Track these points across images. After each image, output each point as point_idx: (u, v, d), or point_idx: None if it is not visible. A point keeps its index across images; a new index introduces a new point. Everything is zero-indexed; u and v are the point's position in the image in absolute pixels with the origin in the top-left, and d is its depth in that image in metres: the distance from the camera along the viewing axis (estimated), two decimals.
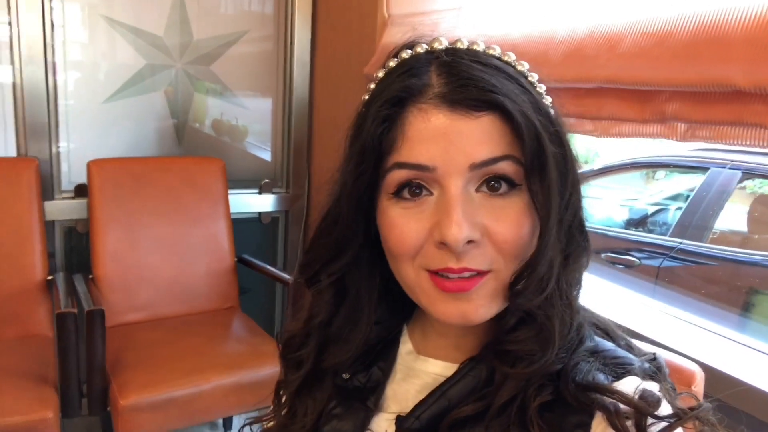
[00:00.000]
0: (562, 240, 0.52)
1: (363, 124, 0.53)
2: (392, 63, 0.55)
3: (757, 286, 2.16)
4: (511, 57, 0.54)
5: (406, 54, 0.55)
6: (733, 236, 2.39)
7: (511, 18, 1.33)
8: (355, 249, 0.57)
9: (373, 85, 0.56)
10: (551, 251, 0.50)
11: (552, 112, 0.54)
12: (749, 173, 2.37)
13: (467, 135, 0.49)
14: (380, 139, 0.51)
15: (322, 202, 0.59)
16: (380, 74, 0.56)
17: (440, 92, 0.50)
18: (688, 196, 2.55)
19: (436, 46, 0.54)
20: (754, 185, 2.48)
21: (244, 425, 0.70)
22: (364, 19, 1.99)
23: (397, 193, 0.52)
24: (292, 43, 2.35)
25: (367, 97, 0.55)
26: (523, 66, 0.54)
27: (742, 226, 2.40)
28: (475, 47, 0.54)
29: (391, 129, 0.51)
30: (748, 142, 0.84)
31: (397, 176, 0.51)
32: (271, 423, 0.68)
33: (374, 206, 0.55)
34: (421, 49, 0.54)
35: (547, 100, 0.55)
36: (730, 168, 2.38)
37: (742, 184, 2.39)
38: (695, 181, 2.53)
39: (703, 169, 2.48)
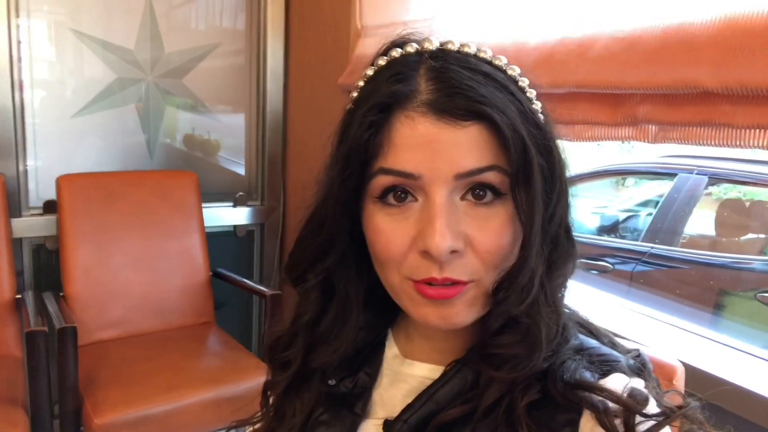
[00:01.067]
0: (546, 248, 0.53)
1: (349, 127, 0.52)
2: (381, 61, 0.55)
3: (727, 288, 2.21)
4: (502, 61, 0.53)
5: (396, 53, 0.54)
6: (703, 240, 2.45)
7: (483, 27, 1.35)
8: (341, 249, 0.57)
9: (362, 83, 0.55)
10: (533, 261, 0.50)
11: (542, 118, 0.53)
12: (715, 178, 2.44)
13: (453, 144, 0.49)
14: (366, 145, 0.50)
15: (307, 201, 0.58)
16: (369, 72, 0.55)
17: (427, 99, 0.50)
18: (657, 202, 2.60)
19: (427, 46, 0.53)
20: (719, 191, 2.54)
21: (230, 429, 0.68)
22: (337, 31, 2.00)
23: (382, 198, 0.52)
24: (264, 55, 2.34)
25: (355, 95, 0.55)
26: (514, 70, 0.54)
27: (710, 230, 2.46)
28: (466, 50, 0.53)
29: (378, 134, 0.50)
30: (717, 142, 0.86)
31: (382, 182, 0.51)
32: (258, 425, 0.67)
33: (359, 208, 0.54)
34: (411, 48, 0.53)
35: (537, 105, 0.54)
36: (697, 173, 2.44)
37: (707, 190, 2.45)
38: (664, 187, 2.59)
39: (671, 175, 2.54)
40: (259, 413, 0.67)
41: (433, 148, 0.49)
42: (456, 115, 0.49)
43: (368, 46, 1.81)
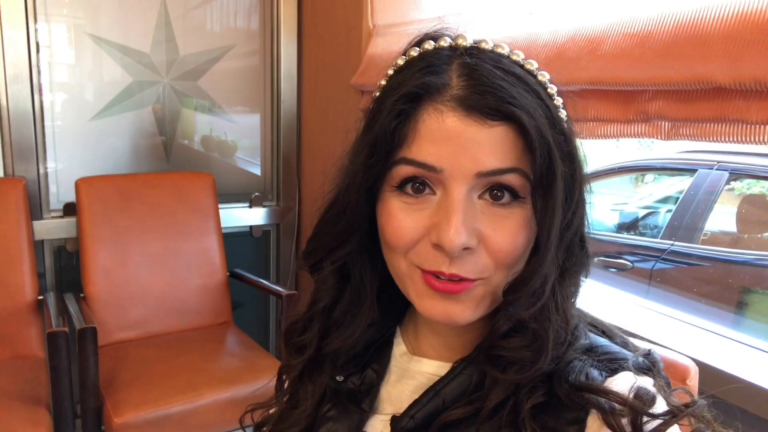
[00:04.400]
0: (561, 256, 0.52)
1: (377, 115, 0.52)
2: (414, 52, 0.54)
3: (749, 285, 2.17)
4: (533, 65, 0.53)
5: (429, 45, 0.54)
6: (724, 237, 2.41)
7: (494, 25, 1.34)
8: (360, 237, 0.57)
9: (391, 71, 0.55)
10: (547, 267, 0.50)
11: (566, 127, 0.53)
12: (736, 173, 2.39)
13: (479, 142, 0.49)
14: (393, 133, 0.50)
15: (326, 188, 0.59)
16: (400, 62, 0.55)
17: (458, 95, 0.49)
18: (677, 199, 2.56)
19: (460, 42, 0.53)
20: (742, 186, 2.50)
21: (246, 412, 0.69)
22: (349, 31, 2.00)
23: (401, 187, 0.52)
24: (278, 56, 2.36)
25: (384, 83, 0.55)
26: (544, 76, 0.53)
27: (731, 226, 2.41)
28: (499, 50, 0.53)
29: (405, 123, 0.50)
30: (730, 138, 0.85)
31: (403, 171, 0.51)
32: (273, 410, 0.68)
33: (378, 197, 0.55)
34: (444, 42, 0.53)
35: (563, 113, 0.54)
36: (717, 169, 2.40)
37: (729, 186, 2.41)
38: (684, 183, 2.55)
39: (691, 171, 2.50)
40: (275, 398, 0.68)
41: (458, 143, 0.49)
42: (485, 113, 0.48)
43: (380, 45, 1.81)
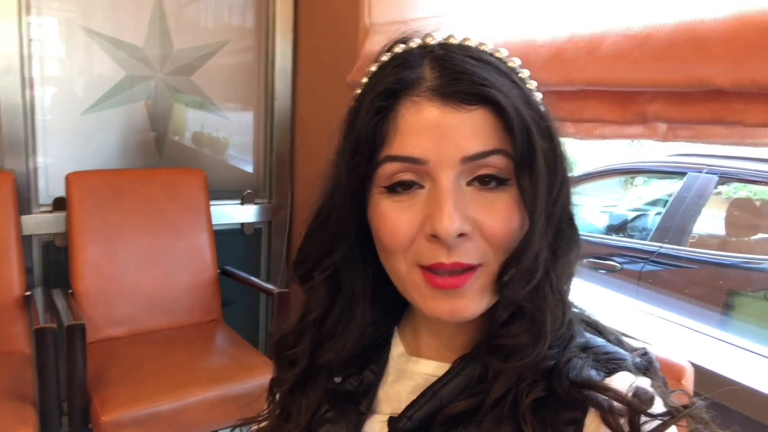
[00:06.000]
0: (550, 233, 0.53)
1: (356, 117, 0.53)
2: (385, 57, 0.56)
3: (736, 288, 2.19)
4: (503, 53, 0.55)
5: (399, 48, 0.55)
6: (712, 240, 2.43)
7: (492, 24, 1.34)
8: (348, 242, 0.57)
9: (365, 79, 0.56)
10: (537, 244, 0.51)
11: (542, 108, 0.54)
12: (725, 177, 2.42)
13: (459, 128, 0.49)
14: (374, 132, 0.51)
15: (315, 197, 0.59)
16: (373, 68, 0.56)
17: (433, 85, 0.50)
18: (666, 201, 2.58)
19: (429, 41, 0.54)
20: (729, 190, 2.52)
21: (235, 426, 0.68)
22: (345, 28, 2.00)
23: (389, 189, 0.52)
24: (273, 53, 2.35)
25: (359, 92, 0.56)
26: (515, 62, 0.55)
27: (719, 230, 2.44)
28: (467, 43, 0.54)
29: (384, 121, 0.51)
30: (728, 141, 0.85)
31: (389, 169, 0.51)
32: (264, 423, 0.67)
33: (366, 199, 0.55)
34: (414, 43, 0.55)
35: (538, 96, 0.55)
36: (706, 172, 2.42)
37: (717, 190, 2.43)
38: (673, 186, 2.57)
39: (681, 174, 2.52)
40: (266, 411, 0.68)
41: (440, 132, 0.49)
42: (461, 99, 0.49)
43: (377, 43, 1.80)
